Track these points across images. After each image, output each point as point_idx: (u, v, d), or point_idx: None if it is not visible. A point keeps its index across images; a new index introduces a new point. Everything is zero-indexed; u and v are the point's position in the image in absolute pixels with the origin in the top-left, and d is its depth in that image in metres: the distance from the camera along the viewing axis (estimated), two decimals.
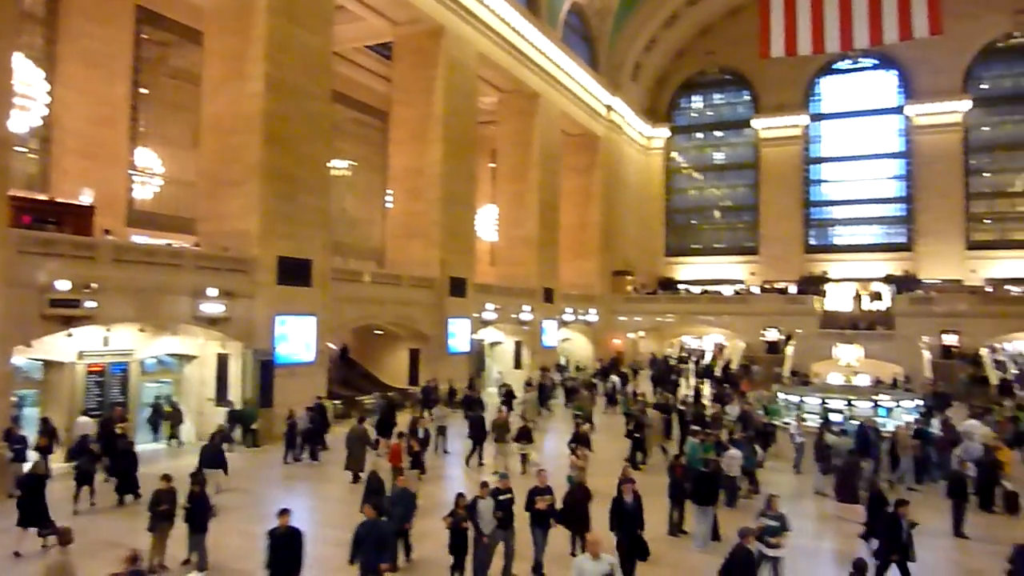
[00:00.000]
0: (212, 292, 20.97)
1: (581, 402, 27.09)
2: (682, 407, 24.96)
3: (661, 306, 50.65)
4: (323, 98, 25.75)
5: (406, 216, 32.76)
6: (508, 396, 27.99)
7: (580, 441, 18.26)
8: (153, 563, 11.88)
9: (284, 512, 10.13)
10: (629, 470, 13.01)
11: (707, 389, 34.04)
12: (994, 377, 37.02)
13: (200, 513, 11.84)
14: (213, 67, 23.94)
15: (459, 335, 32.83)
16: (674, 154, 59.72)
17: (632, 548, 11.03)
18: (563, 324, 43.94)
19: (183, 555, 12.06)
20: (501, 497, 11.69)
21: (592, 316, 47.47)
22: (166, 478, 12.41)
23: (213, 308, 21.07)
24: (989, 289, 46.05)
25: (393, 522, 11.63)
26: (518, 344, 39.92)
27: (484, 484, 11.89)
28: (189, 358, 23.28)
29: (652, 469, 19.17)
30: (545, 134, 41.84)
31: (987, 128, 51.05)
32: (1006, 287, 46.38)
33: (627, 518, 11.27)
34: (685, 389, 34.55)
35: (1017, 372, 39.51)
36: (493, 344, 39.74)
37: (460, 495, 11.33)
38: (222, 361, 22.77)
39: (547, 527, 11.90)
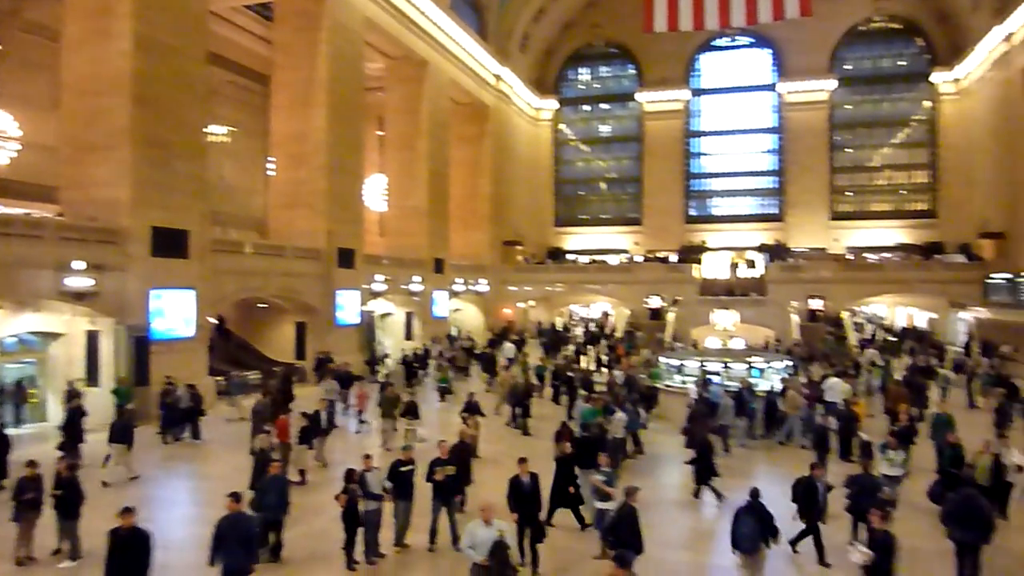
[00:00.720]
0: (78, 265, 19.61)
1: (443, 373, 27.37)
2: (571, 373, 25.63)
3: (550, 276, 51.53)
4: (199, 59, 24.39)
5: (290, 184, 31.69)
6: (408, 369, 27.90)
7: (471, 410, 18.44)
8: (19, 555, 11.18)
9: (127, 511, 8.95)
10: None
11: (599, 355, 35.04)
12: (853, 338, 40.00)
13: (71, 499, 11.19)
14: (74, 23, 22.15)
15: (348, 307, 32.26)
16: (562, 126, 60.38)
17: (531, 531, 10.91)
18: (454, 295, 43.98)
19: (53, 544, 11.40)
20: (402, 468, 11.69)
21: (483, 286, 47.71)
22: (31, 464, 11.63)
23: (80, 282, 19.73)
24: (850, 257, 49.61)
25: (268, 512, 11.01)
26: (409, 315, 39.69)
27: (368, 456, 11.85)
28: (54, 336, 21.78)
29: (541, 433, 19.62)
30: (434, 102, 41.35)
31: (850, 107, 54.51)
32: (864, 255, 50.19)
33: (525, 500, 11.02)
34: (584, 358, 35.39)
35: (871, 333, 42.90)
36: (384, 316, 39.32)
37: (350, 470, 11.26)
38: (92, 339, 21.43)
39: (449, 498, 11.98)
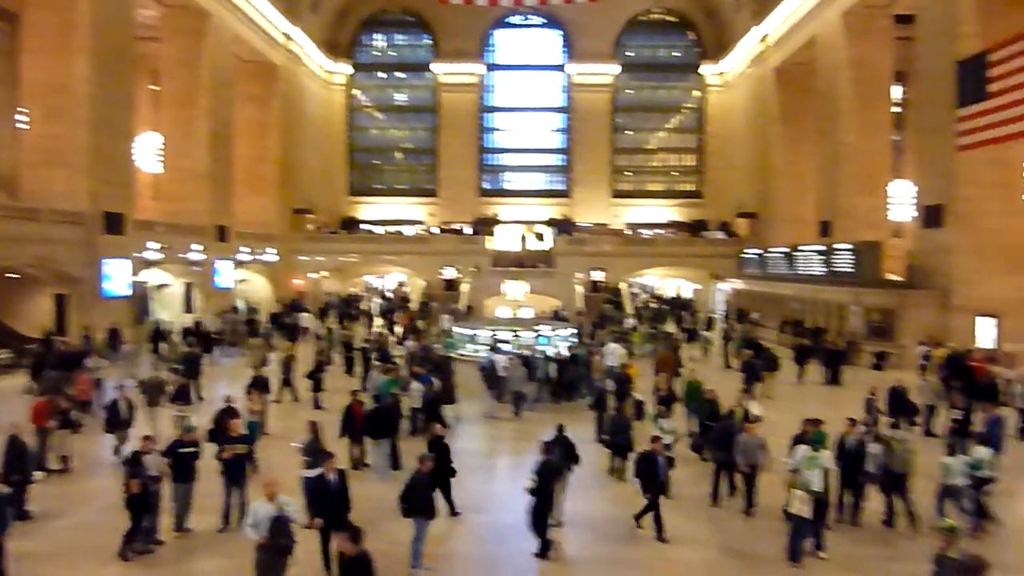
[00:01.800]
0: None
1: (173, 350, 25.51)
2: (365, 344, 25.36)
3: (343, 245, 50.41)
4: None
5: (46, 140, 28.11)
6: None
7: (257, 386, 17.65)
8: None
9: None
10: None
11: (393, 326, 34.94)
12: (630, 306, 43.25)
13: None
14: None
15: (116, 277, 29.41)
16: (356, 92, 58.82)
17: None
18: (239, 264, 41.55)
19: None
20: (183, 450, 11.01)
21: (271, 256, 45.57)
22: None
23: None
24: (628, 232, 53.52)
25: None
26: (188, 286, 36.96)
27: (147, 437, 11.06)
28: None
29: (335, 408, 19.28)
30: (216, 58, 38.47)
31: (630, 91, 58.28)
32: (640, 231, 54.41)
33: (331, 502, 9.72)
34: (374, 327, 35.03)
35: (643, 302, 46.68)
36: (160, 287, 36.32)
37: (136, 453, 10.46)
38: None
39: (238, 477, 11.43)
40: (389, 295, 49.37)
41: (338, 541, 7.91)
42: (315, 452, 11.70)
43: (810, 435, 11.99)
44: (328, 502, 9.68)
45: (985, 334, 26.76)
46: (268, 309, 41.97)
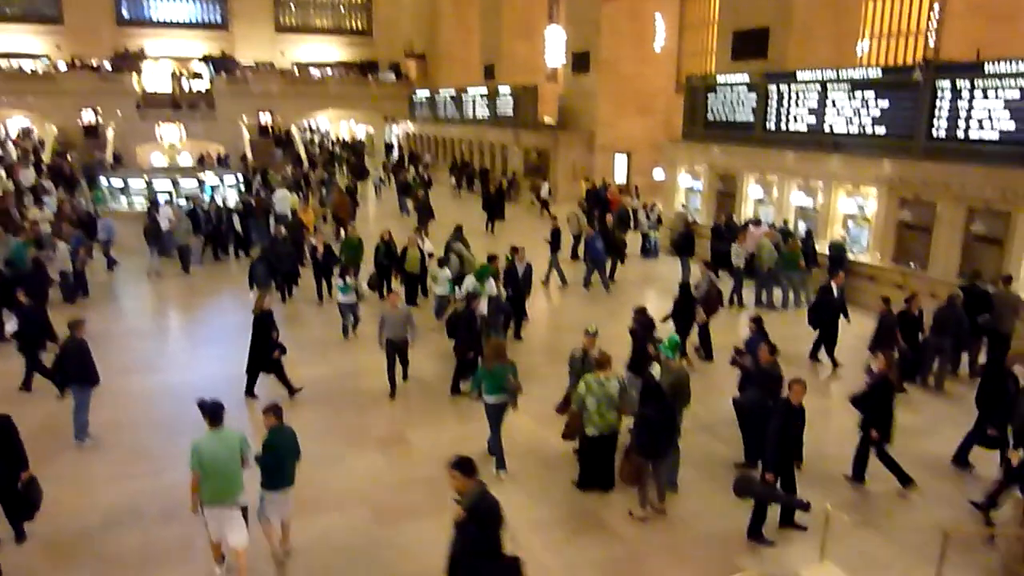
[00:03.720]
0: None
1: None
2: None
3: None
4: None
5: None
6: None
7: None
8: None
9: None
10: None
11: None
12: (303, 152, 41.74)
13: None
14: None
15: None
16: None
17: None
18: None
19: None
20: None
21: None
22: None
23: None
24: (296, 72, 50.53)
25: None
26: None
27: None
28: None
29: None
30: None
31: None
32: (309, 70, 51.67)
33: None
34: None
35: (318, 145, 45.38)
36: None
37: None
38: None
39: None
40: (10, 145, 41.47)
41: None
42: None
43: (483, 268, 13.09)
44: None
45: (620, 169, 30.81)
46: None
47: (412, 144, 45.62)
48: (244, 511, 6.49)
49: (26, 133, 42.80)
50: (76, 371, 9.12)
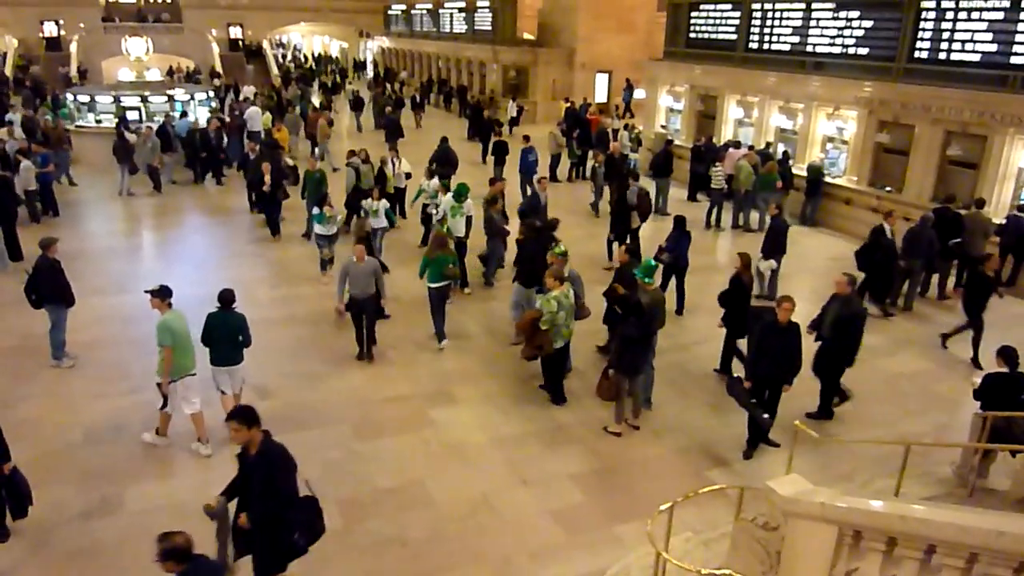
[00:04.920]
0: None
1: None
2: None
3: None
4: None
5: None
6: None
7: None
8: None
9: None
10: None
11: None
12: (274, 66, 40.54)
13: None
14: None
15: None
16: None
17: None
18: None
19: None
20: None
21: None
22: None
23: None
24: None
25: None
26: None
27: None
28: None
29: None
30: None
31: None
32: None
33: None
34: None
35: (291, 61, 44.02)
36: None
37: None
38: None
39: None
40: None
41: None
42: None
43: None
44: None
45: (601, 89, 30.31)
46: None
47: (387, 61, 44.37)
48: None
49: None
50: (50, 291, 9.01)
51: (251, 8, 44.05)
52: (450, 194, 12.15)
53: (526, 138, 17.96)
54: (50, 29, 40.11)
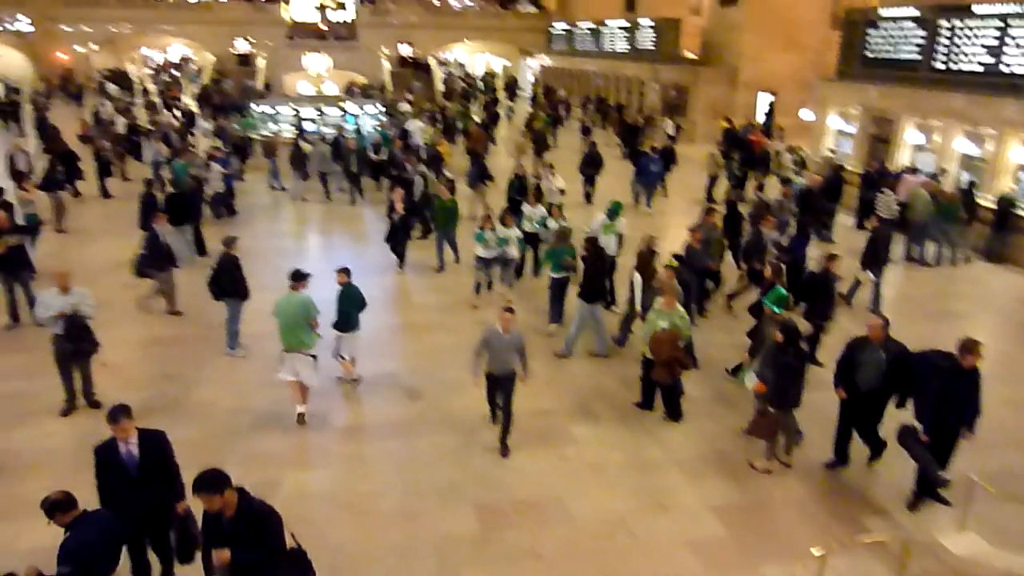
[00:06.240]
0: None
1: None
2: (151, 127, 23.17)
3: (111, 12, 43.82)
4: None
5: None
6: None
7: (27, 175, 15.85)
8: None
9: None
10: None
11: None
12: (440, 81, 42.21)
13: None
14: None
15: None
16: None
17: None
18: None
19: None
20: None
21: (24, 25, 38.80)
22: None
23: None
24: (436, 2, 50.69)
25: None
26: None
27: None
28: None
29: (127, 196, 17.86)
30: None
31: None
32: (449, 1, 51.69)
33: None
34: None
35: (453, 77, 45.62)
36: None
37: None
38: None
39: (17, 271, 10.55)
40: (175, 71, 44.31)
41: None
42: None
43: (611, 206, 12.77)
44: None
45: (764, 109, 29.21)
46: (31, 88, 36.53)
47: (546, 80, 45.00)
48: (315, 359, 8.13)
49: (185, 60, 45.62)
50: (229, 285, 9.83)
51: (420, 26, 46.29)
52: (602, 214, 12.07)
53: (653, 149, 17.75)
54: (241, 46, 43.89)
